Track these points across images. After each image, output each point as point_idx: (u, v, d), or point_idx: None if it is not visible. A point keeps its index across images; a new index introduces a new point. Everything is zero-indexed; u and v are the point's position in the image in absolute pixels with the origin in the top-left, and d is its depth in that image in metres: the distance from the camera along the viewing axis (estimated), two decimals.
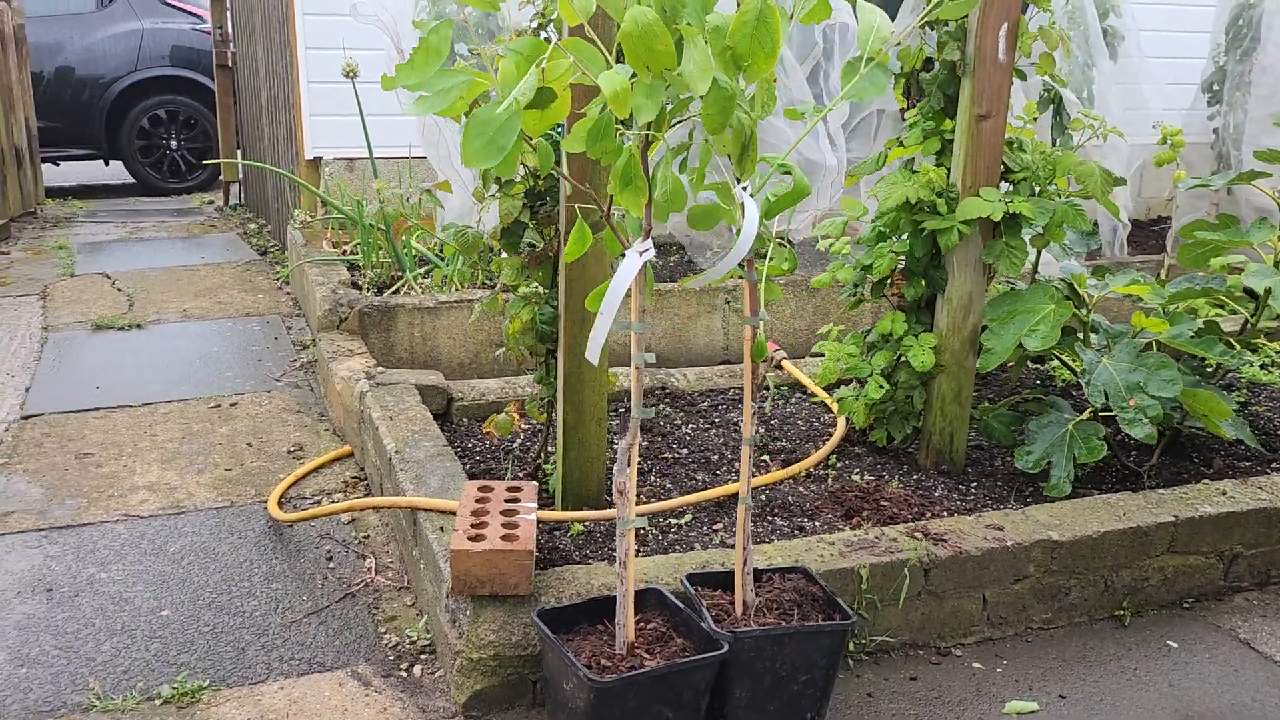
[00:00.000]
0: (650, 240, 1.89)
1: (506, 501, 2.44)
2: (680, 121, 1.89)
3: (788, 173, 1.99)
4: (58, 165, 9.91)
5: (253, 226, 7.29)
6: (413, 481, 2.74)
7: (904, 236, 3.02)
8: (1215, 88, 5.71)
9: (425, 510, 2.61)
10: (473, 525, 2.31)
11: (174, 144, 9.64)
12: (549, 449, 3.06)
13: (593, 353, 1.84)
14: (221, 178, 8.67)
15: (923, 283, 3.06)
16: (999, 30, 2.80)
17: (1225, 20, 5.57)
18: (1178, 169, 4.66)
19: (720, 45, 1.69)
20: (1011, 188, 3.02)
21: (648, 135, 1.82)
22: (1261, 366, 4.12)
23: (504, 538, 2.26)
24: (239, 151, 8.53)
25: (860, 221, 3.27)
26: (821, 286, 3.19)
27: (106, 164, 9.94)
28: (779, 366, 3.88)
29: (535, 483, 2.56)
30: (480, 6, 1.86)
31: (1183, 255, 3.66)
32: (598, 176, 2.45)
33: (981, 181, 2.92)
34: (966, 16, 2.88)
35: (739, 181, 1.91)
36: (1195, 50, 6.19)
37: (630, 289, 1.89)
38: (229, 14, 8.17)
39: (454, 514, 2.50)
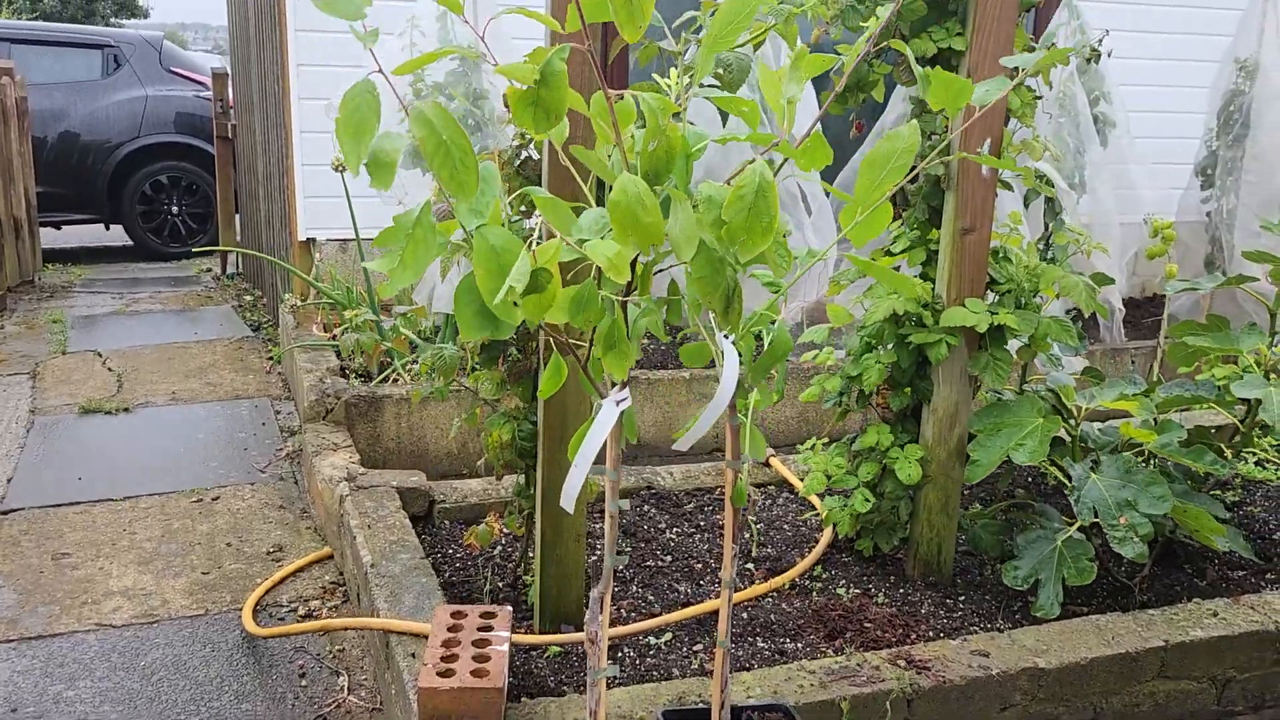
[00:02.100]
0: (627, 389, 1.86)
1: (479, 630, 2.39)
2: (662, 271, 1.87)
3: (773, 321, 1.96)
4: (59, 229, 9.96)
5: (248, 298, 7.29)
6: (387, 600, 2.69)
7: (890, 347, 3.00)
8: (1208, 172, 5.73)
9: (398, 633, 2.55)
10: (442, 658, 2.26)
11: (175, 209, 9.71)
12: (529, 556, 3.01)
13: (568, 502, 1.80)
14: (219, 245, 8.69)
15: (908, 392, 3.03)
16: (982, 145, 2.79)
17: (1217, 106, 5.60)
18: (1170, 260, 4.65)
19: (714, 216, 1.66)
20: (997, 298, 3.00)
21: (630, 291, 1.80)
22: (1257, 463, 4.07)
23: (474, 673, 2.21)
24: (237, 216, 8.57)
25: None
26: (810, 400, 3.15)
27: (107, 228, 9.99)
28: (766, 464, 3.83)
29: (509, 608, 2.51)
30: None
31: (1172, 354, 3.64)
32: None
33: (966, 293, 2.90)
34: (948, 129, 2.88)
35: (724, 333, 1.88)
36: (1189, 130, 6.22)
37: (607, 438, 1.86)
38: (230, 88, 8.25)
39: (426, 638, 2.45)
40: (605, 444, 1.89)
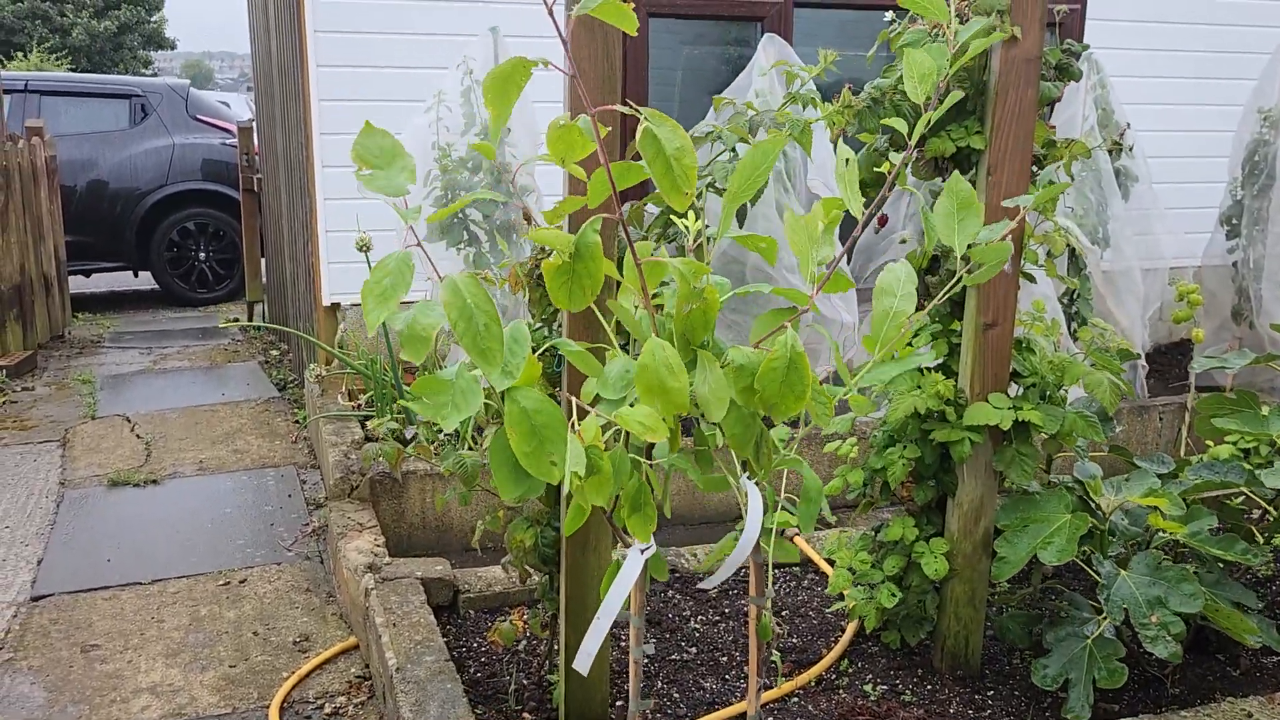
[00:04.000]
0: (652, 537, 1.86)
1: None
2: (684, 419, 1.87)
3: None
4: (88, 276, 10.10)
5: (274, 353, 7.35)
6: (412, 709, 2.69)
7: (914, 442, 2.98)
8: (1233, 221, 5.68)
9: None
10: None
11: (202, 255, 9.82)
12: (554, 651, 3.01)
13: (582, 664, 1.80)
14: (246, 296, 8.78)
15: (933, 486, 3.01)
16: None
17: (1241, 155, 5.55)
18: (1196, 325, 4.61)
19: (745, 383, 1.67)
20: (1021, 391, 2.98)
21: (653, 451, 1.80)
22: None
23: None
24: (263, 260, 8.64)
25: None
26: (834, 492, 3.14)
27: (136, 275, 10.11)
28: (791, 541, 3.81)
29: None
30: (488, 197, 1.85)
31: (1200, 428, 3.61)
32: None
33: (990, 388, 2.88)
34: None
35: (749, 476, 1.88)
36: (1211, 174, 6.18)
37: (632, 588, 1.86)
38: (256, 139, 8.34)
39: None
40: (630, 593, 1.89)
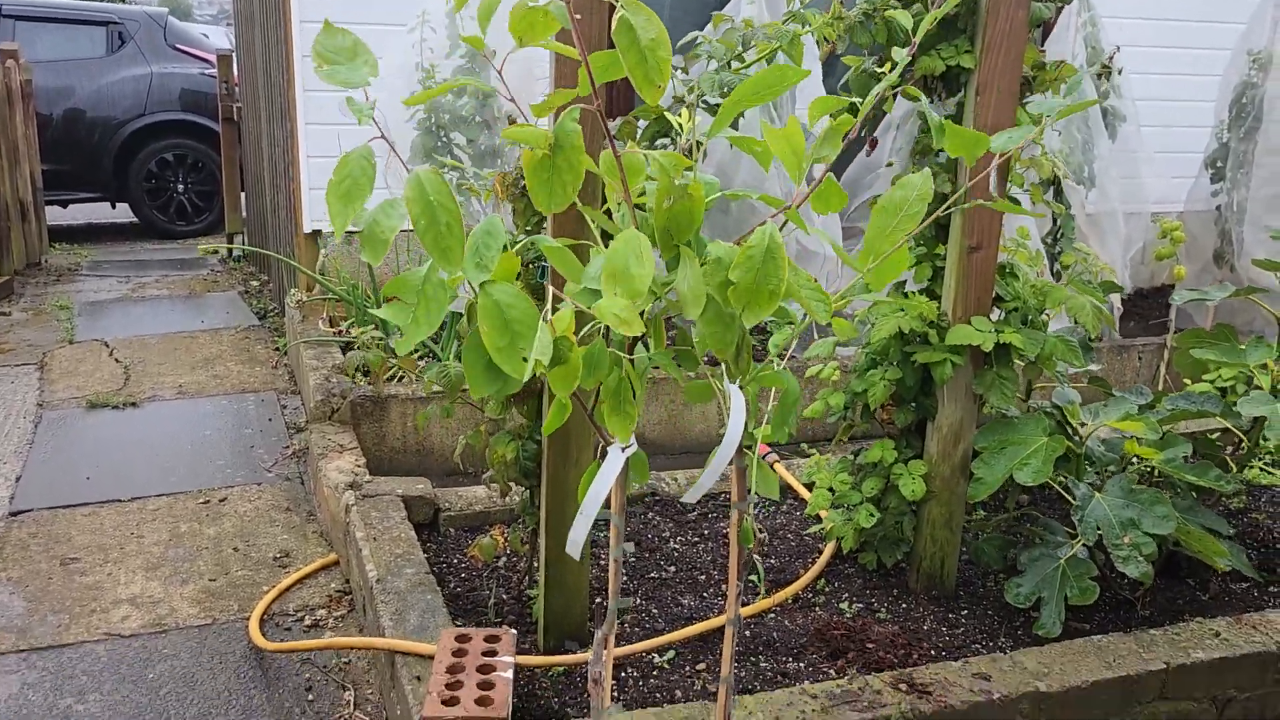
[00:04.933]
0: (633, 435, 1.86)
1: (484, 654, 2.41)
2: (671, 320, 1.86)
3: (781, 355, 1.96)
4: (65, 207, 9.96)
5: (254, 283, 7.30)
6: (392, 618, 2.71)
7: (895, 364, 2.99)
8: (1218, 164, 5.68)
9: (403, 654, 2.58)
10: (447, 685, 2.28)
11: (181, 187, 9.70)
12: (534, 568, 3.03)
13: (573, 549, 1.80)
14: (225, 227, 8.69)
15: (913, 409, 3.03)
16: (990, 170, 2.77)
17: (1229, 98, 5.55)
18: (1178, 262, 4.62)
19: (720, 278, 1.65)
20: (1004, 315, 2.99)
21: (638, 341, 1.79)
22: (1262, 469, 4.07)
23: (478, 701, 2.23)
24: (243, 194, 8.55)
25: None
26: (815, 415, 3.15)
27: (114, 206, 9.98)
28: (770, 466, 3.84)
29: (514, 631, 2.53)
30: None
31: (1179, 363, 3.63)
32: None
33: (973, 311, 2.89)
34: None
35: (732, 379, 1.88)
36: (1197, 119, 6.17)
37: (613, 485, 1.86)
38: (235, 69, 8.21)
39: (431, 658, 2.47)
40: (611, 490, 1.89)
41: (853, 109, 1.87)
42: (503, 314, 1.59)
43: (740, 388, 1.94)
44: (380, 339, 3.83)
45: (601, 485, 1.82)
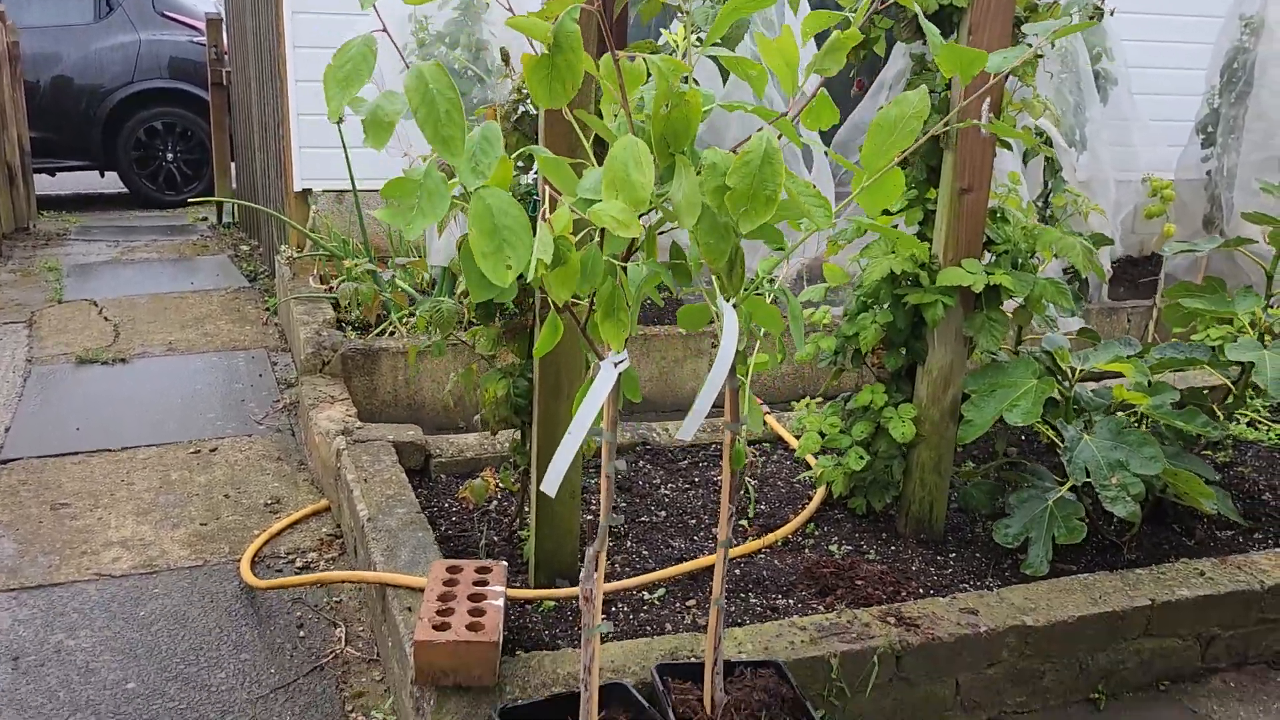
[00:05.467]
0: (625, 350, 1.87)
1: (475, 584, 2.42)
2: (665, 232, 1.86)
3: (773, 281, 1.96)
4: (53, 176, 9.88)
5: (244, 248, 7.27)
6: (384, 553, 2.72)
7: (886, 307, 3.00)
8: (1209, 129, 5.70)
9: (394, 586, 2.58)
10: (438, 612, 2.29)
11: (170, 156, 9.63)
12: (525, 511, 3.04)
13: (550, 485, 1.80)
14: (215, 194, 8.65)
15: (903, 353, 3.04)
16: (981, 104, 2.77)
17: (1220, 63, 5.55)
18: (1168, 220, 4.64)
19: (716, 183, 1.64)
20: (994, 259, 3.00)
21: (632, 253, 1.79)
22: (1249, 424, 4.10)
23: (469, 626, 2.24)
24: (233, 164, 8.51)
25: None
26: (805, 360, 3.16)
27: (102, 175, 9.92)
28: (762, 420, 3.85)
29: (505, 563, 2.54)
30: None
31: (1168, 315, 3.65)
32: None
33: (964, 253, 2.90)
34: (949, 90, 2.86)
35: (725, 297, 1.88)
36: (1189, 87, 6.18)
37: (605, 401, 1.86)
38: (225, 34, 8.15)
39: (422, 591, 2.48)
40: (603, 406, 1.90)
41: (845, 24, 1.86)
42: (493, 219, 1.59)
43: (734, 306, 1.94)
44: (372, 271, 3.82)
45: (593, 402, 1.83)
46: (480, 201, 1.59)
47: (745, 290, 1.96)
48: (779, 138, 1.72)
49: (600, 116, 1.87)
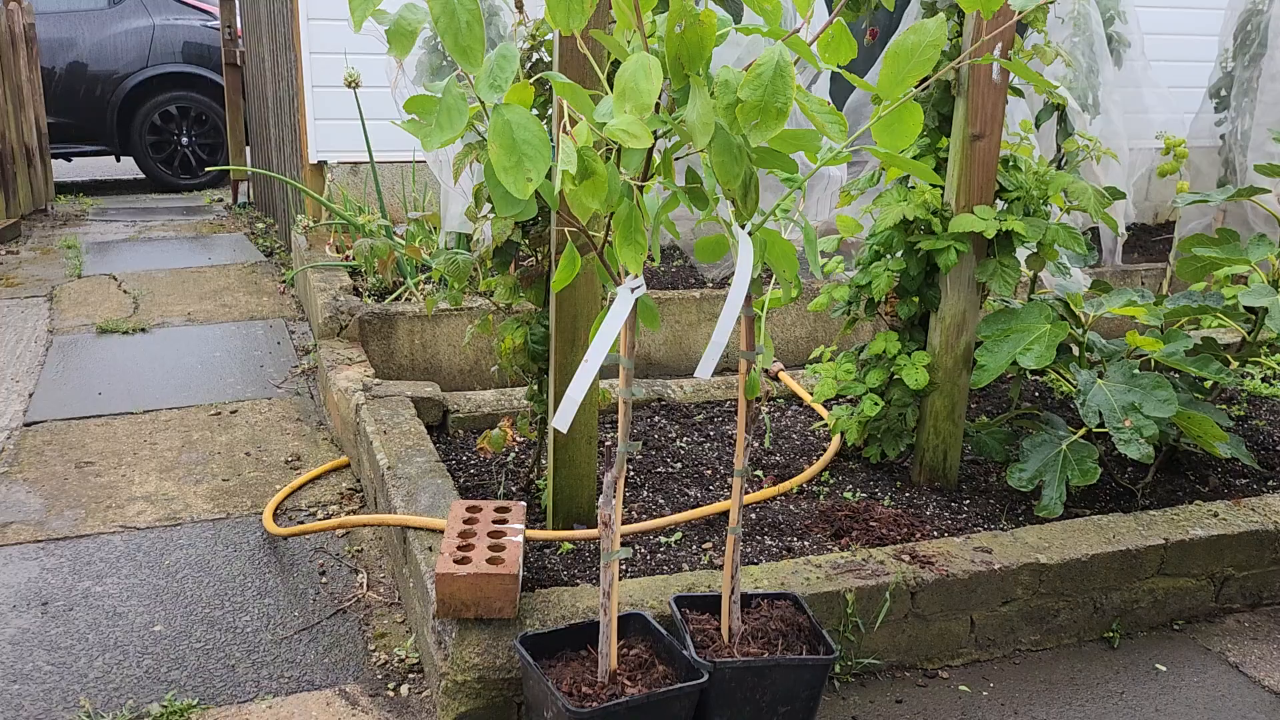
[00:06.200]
0: (641, 276, 1.89)
1: (494, 522, 2.46)
2: (681, 159, 1.89)
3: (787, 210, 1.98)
4: (69, 161, 9.96)
5: (260, 226, 7.32)
6: (404, 499, 2.76)
7: (899, 255, 3.02)
8: (1223, 93, 5.67)
9: (414, 528, 2.62)
10: (459, 547, 2.33)
11: (185, 140, 9.68)
12: (542, 463, 3.07)
13: (564, 416, 1.83)
14: (231, 176, 8.71)
15: (916, 301, 3.06)
16: (993, 50, 2.78)
17: (1233, 26, 5.53)
18: (1181, 179, 4.63)
19: (729, 100, 1.67)
20: (1006, 206, 3.01)
21: (649, 177, 1.82)
22: (1263, 380, 4.11)
23: (490, 560, 2.28)
24: (247, 148, 8.57)
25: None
26: (818, 309, 3.18)
27: (118, 160, 9.98)
28: (776, 378, 3.88)
29: (524, 503, 2.58)
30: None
31: (1181, 269, 3.65)
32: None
33: (975, 200, 2.91)
34: (960, 35, 2.88)
35: (740, 223, 1.91)
36: (1203, 54, 6.15)
37: (621, 329, 1.89)
38: (237, 13, 8.19)
39: (442, 533, 2.52)
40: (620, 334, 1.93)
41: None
42: (513, 134, 1.62)
43: (749, 234, 1.97)
44: (387, 226, 3.85)
45: (611, 327, 1.86)
46: (500, 117, 1.62)
47: (760, 218, 1.98)
48: (795, 60, 1.74)
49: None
